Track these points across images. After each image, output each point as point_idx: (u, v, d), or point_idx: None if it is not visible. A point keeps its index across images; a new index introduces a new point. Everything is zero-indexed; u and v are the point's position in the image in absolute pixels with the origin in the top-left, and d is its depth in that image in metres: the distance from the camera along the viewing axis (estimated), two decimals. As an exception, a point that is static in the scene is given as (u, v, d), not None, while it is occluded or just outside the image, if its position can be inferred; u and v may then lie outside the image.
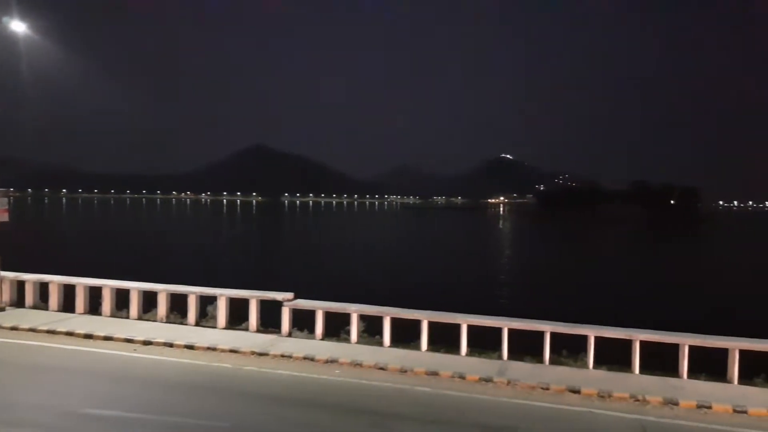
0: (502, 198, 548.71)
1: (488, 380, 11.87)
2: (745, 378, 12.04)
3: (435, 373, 12.21)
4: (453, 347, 13.85)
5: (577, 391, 11.25)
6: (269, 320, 15.64)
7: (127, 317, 16.52)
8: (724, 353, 12.06)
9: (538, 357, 13.21)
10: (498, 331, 13.50)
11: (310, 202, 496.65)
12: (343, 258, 52.62)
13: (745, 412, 10.31)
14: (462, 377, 12.05)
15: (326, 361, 12.92)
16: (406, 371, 12.38)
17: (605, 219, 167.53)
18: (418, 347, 14.01)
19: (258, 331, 15.32)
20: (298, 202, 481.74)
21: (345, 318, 14.78)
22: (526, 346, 13.62)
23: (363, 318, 14.84)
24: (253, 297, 15.42)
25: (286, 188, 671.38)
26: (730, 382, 11.83)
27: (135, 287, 16.53)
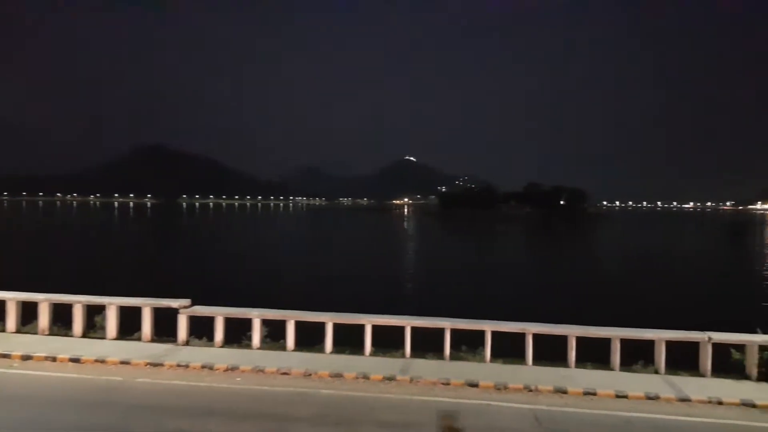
0: (406, 199, 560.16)
1: (391, 379, 12.01)
2: (626, 365, 13.03)
3: (339, 375, 12.18)
4: (358, 348, 13.90)
5: (475, 385, 11.66)
6: (165, 329, 14.87)
7: (3, 330, 15.08)
8: (607, 342, 12.99)
9: (439, 354, 13.56)
10: (401, 329, 13.72)
11: (210, 204, 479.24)
12: (246, 261, 51.30)
13: (625, 396, 11.16)
14: (366, 377, 12.11)
15: (226, 369, 12.50)
16: (310, 374, 12.25)
17: (501, 218, 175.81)
18: (322, 350, 13.92)
19: (152, 340, 14.53)
20: (197, 204, 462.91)
21: (247, 324, 14.38)
22: (429, 344, 13.94)
23: (266, 323, 14.49)
24: (146, 305, 14.61)
25: (184, 190, 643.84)
26: (612, 369, 12.76)
27: (11, 297, 15.12)
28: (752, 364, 12.23)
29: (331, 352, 13.87)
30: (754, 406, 10.78)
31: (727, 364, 12.74)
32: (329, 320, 13.94)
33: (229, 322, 14.52)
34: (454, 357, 13.55)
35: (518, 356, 13.29)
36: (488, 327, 13.32)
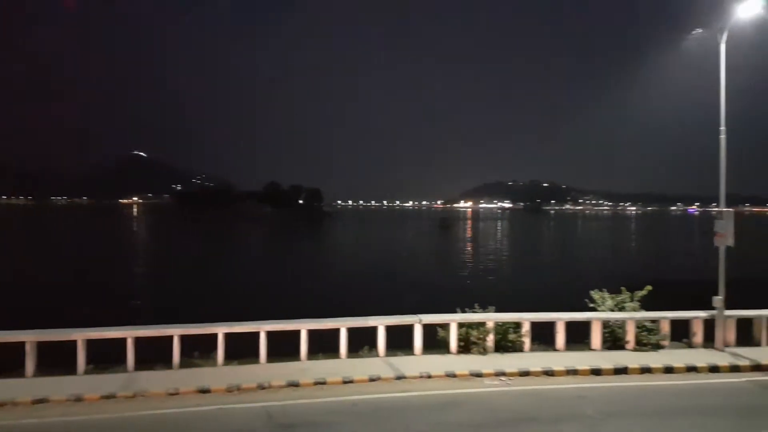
0: (135, 198, 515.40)
1: (111, 396, 10.87)
2: (354, 351, 13.93)
3: (44, 401, 10.54)
4: (69, 367, 12.22)
5: (207, 391, 11.25)
6: None
7: None
8: (337, 332, 13.74)
9: (169, 363, 12.72)
10: (122, 341, 12.50)
11: None
12: None
13: (352, 381, 11.97)
14: (79, 399, 10.72)
15: None
16: (4, 404, 10.34)
17: (240, 218, 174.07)
18: (23, 374, 11.88)
19: None
20: None
21: None
22: (158, 354, 12.98)
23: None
24: None
25: None
26: (341, 357, 13.56)
27: None
28: (454, 340, 14.22)
29: (34, 375, 11.93)
30: (455, 375, 12.56)
31: (435, 341, 14.61)
32: (28, 339, 11.99)
33: None
34: (185, 364, 12.87)
35: (253, 355, 13.24)
36: (221, 329, 12.98)
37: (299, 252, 66.32)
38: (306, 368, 12.62)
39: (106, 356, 12.85)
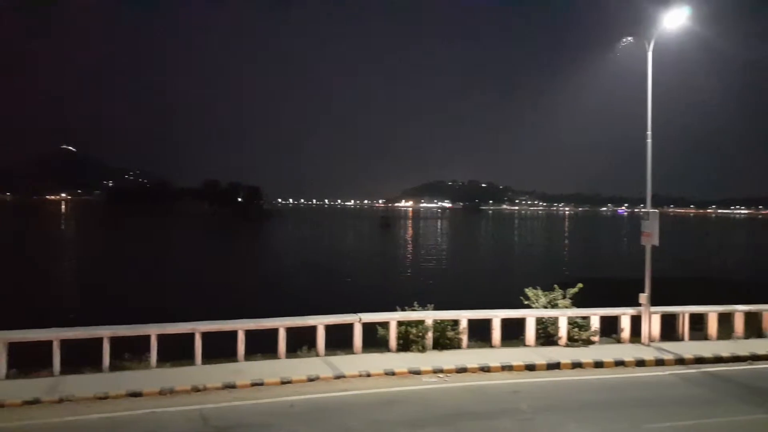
0: (63, 194, 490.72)
1: (35, 402, 10.31)
2: (292, 351, 13.77)
3: (-42, 410, 9.85)
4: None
5: (138, 394, 10.83)
6: None
7: None
8: (275, 332, 13.53)
9: (99, 366, 12.17)
10: (49, 344, 11.86)
11: None
12: None
13: (290, 381, 11.82)
14: (1, 405, 10.10)
15: None
16: None
17: (176, 216, 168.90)
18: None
19: None
20: None
21: None
22: (87, 357, 12.39)
23: None
24: None
25: None
26: (279, 357, 13.35)
27: None
28: (393, 338, 14.28)
29: (-52, 383, 11.15)
30: (394, 373, 12.61)
31: (375, 340, 14.63)
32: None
33: None
34: (116, 367, 12.35)
35: (189, 357, 12.85)
36: (154, 330, 12.53)
37: (237, 251, 65.07)
38: (243, 369, 12.36)
39: (31, 360, 12.16)
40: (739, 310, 16.54)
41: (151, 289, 34.75)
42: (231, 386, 11.38)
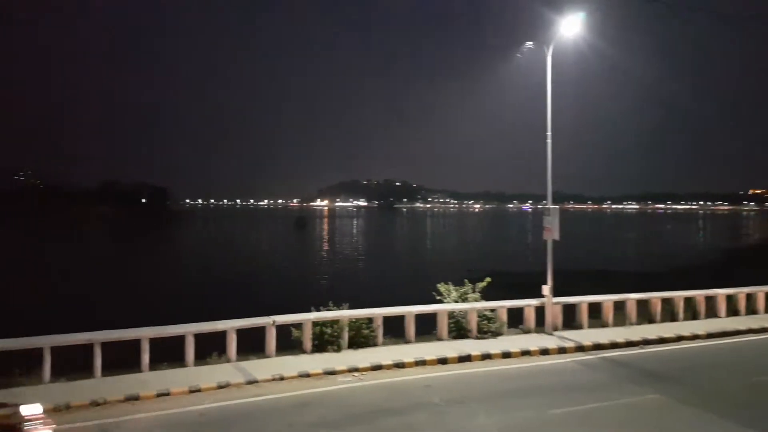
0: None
1: None
2: (201, 358, 13.26)
3: None
4: None
5: (28, 414, 9.97)
6: None
7: None
8: (182, 339, 12.95)
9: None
10: None
11: None
12: None
13: (199, 390, 11.35)
14: None
15: None
16: None
17: (75, 218, 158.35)
18: None
19: None
20: None
21: None
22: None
23: None
24: None
25: None
26: (187, 365, 12.80)
27: None
28: (308, 339, 14.10)
29: None
30: (308, 375, 12.44)
31: (290, 342, 14.39)
32: None
33: None
34: (4, 384, 11.31)
35: (87, 370, 12.02)
36: (46, 343, 11.61)
37: (141, 255, 61.95)
38: (147, 380, 11.73)
39: None
40: (632, 298, 17.79)
41: (42, 298, 32.29)
42: (134, 398, 10.76)
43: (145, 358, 12.36)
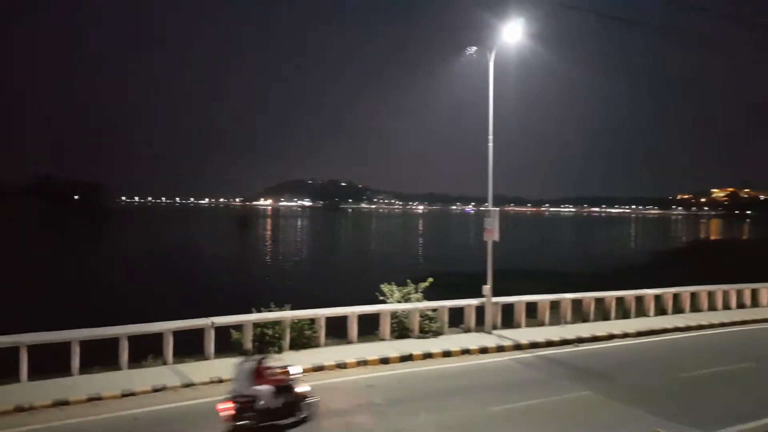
0: None
1: None
2: (136, 361, 12.81)
3: None
4: None
5: (-55, 422, 9.38)
6: None
7: None
8: (116, 341, 12.47)
9: None
10: None
11: None
12: None
13: (133, 393, 10.96)
14: None
15: None
16: None
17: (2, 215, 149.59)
18: None
19: None
20: None
21: None
22: None
23: None
24: None
25: None
26: (121, 368, 12.34)
27: None
28: (248, 340, 13.85)
29: None
30: (248, 376, 12.21)
31: (229, 344, 14.09)
32: None
33: None
34: None
35: (12, 374, 11.39)
36: (-34, 347, 10.93)
37: (72, 255, 59.20)
38: (78, 384, 11.23)
39: None
40: (567, 298, 18.43)
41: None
42: (63, 403, 10.28)
43: (76, 361, 11.83)
